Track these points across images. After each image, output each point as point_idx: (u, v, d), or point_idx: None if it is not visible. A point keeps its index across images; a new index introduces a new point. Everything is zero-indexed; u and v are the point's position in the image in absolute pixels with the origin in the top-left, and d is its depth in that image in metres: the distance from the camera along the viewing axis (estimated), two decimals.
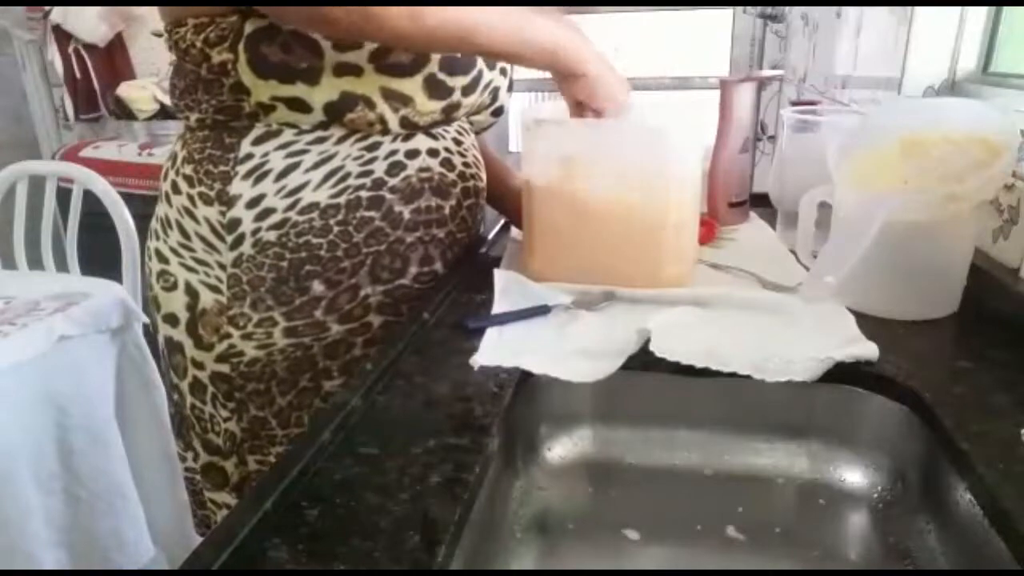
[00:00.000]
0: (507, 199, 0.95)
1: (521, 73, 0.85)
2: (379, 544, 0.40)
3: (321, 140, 0.72)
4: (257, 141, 0.71)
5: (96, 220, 1.70)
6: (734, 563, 0.59)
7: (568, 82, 0.73)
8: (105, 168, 2.09)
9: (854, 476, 0.62)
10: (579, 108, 0.75)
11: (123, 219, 1.65)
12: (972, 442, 0.48)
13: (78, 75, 2.66)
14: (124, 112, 2.59)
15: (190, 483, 0.88)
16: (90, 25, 2.55)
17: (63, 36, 2.60)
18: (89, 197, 1.69)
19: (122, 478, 1.47)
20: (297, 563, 0.39)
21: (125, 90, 2.57)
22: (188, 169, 0.75)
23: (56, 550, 1.36)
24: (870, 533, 0.59)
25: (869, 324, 0.65)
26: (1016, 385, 0.55)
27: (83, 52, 2.63)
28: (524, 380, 0.60)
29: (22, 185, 1.76)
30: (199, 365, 0.77)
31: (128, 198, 1.68)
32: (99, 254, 1.72)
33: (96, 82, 2.67)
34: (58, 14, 2.54)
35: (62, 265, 1.78)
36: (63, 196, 1.79)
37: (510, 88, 0.87)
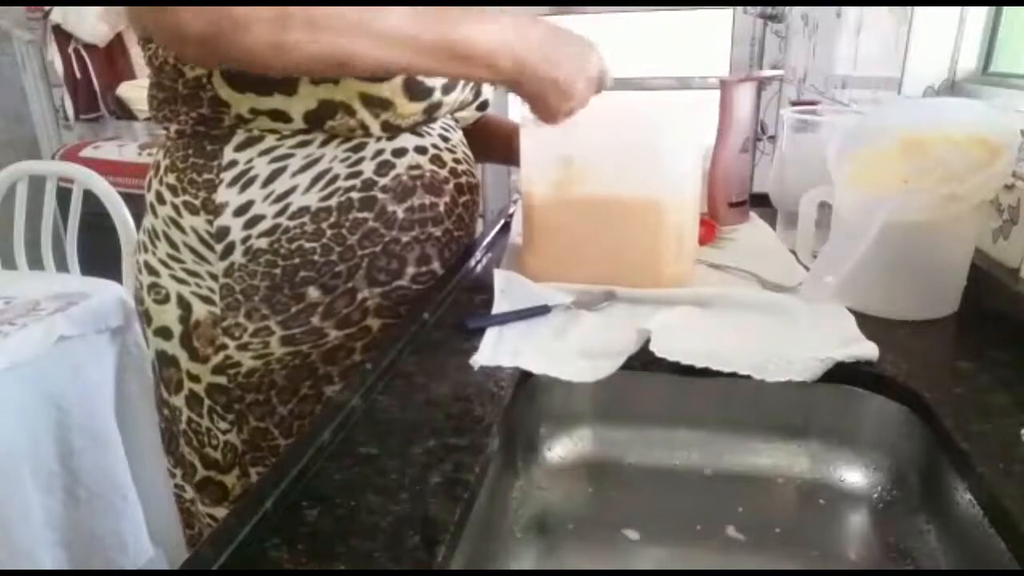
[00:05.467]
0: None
1: None
2: (379, 544, 0.40)
3: (305, 144, 0.71)
4: (240, 147, 0.70)
5: (96, 220, 1.70)
6: (734, 563, 0.59)
7: (528, 101, 0.68)
8: (105, 168, 2.10)
9: (854, 476, 0.62)
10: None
11: (123, 219, 1.66)
12: (972, 442, 0.48)
13: (78, 75, 2.66)
14: (124, 112, 2.59)
15: (179, 500, 0.86)
16: (90, 25, 2.55)
17: (63, 36, 2.60)
18: (89, 197, 1.70)
19: (122, 478, 1.47)
20: (297, 563, 0.39)
21: (125, 90, 2.58)
22: (171, 178, 0.73)
23: (56, 550, 1.36)
24: (870, 533, 0.59)
25: (869, 324, 0.64)
26: (1016, 385, 0.55)
27: (83, 52, 2.62)
28: (524, 380, 0.60)
29: (22, 185, 1.76)
30: (195, 378, 0.75)
31: (128, 198, 1.68)
32: (99, 254, 1.72)
33: (96, 82, 2.67)
34: (58, 14, 2.54)
35: (62, 265, 1.78)
36: (63, 196, 1.79)
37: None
